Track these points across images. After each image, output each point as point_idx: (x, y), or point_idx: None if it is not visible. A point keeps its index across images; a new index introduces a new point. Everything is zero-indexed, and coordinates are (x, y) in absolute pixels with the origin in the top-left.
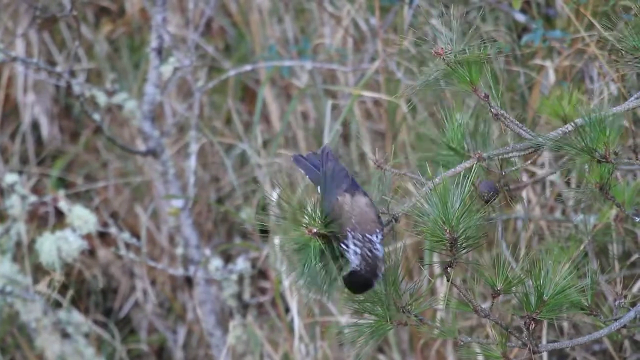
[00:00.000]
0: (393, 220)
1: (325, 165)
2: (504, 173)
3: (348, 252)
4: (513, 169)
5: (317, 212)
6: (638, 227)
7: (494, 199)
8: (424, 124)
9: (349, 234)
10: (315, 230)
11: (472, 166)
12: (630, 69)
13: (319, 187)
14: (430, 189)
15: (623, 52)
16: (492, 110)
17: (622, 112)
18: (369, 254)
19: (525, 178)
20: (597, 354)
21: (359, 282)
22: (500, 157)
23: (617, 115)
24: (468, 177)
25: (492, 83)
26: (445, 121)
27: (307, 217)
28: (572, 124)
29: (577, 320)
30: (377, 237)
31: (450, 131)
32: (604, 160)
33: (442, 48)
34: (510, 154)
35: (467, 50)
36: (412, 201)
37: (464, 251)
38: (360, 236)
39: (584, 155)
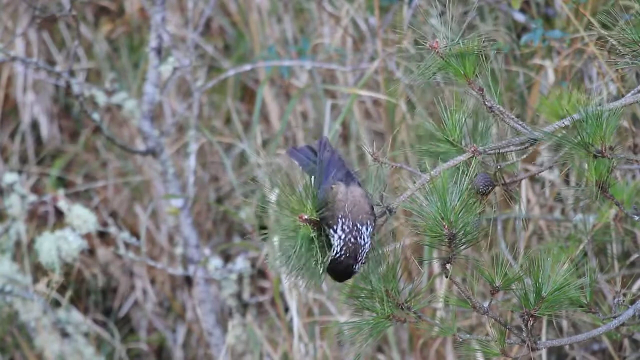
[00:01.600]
0: (387, 212)
1: (322, 155)
2: (499, 166)
3: (333, 237)
4: (508, 162)
5: (309, 198)
6: (637, 226)
7: (490, 192)
8: (423, 118)
9: (339, 221)
10: (305, 216)
11: (469, 160)
12: (629, 63)
13: (313, 178)
14: (427, 181)
15: (621, 46)
16: (487, 103)
17: (620, 108)
18: (353, 240)
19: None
20: (597, 354)
21: (338, 268)
22: (496, 151)
23: (614, 110)
24: (466, 173)
25: (488, 78)
26: (444, 114)
27: (298, 204)
28: (569, 118)
29: (577, 320)
30: (367, 228)
31: (449, 124)
32: (600, 155)
33: (437, 41)
34: (506, 149)
35: (462, 44)
36: (408, 194)
37: (463, 247)
38: (351, 224)
39: (580, 150)
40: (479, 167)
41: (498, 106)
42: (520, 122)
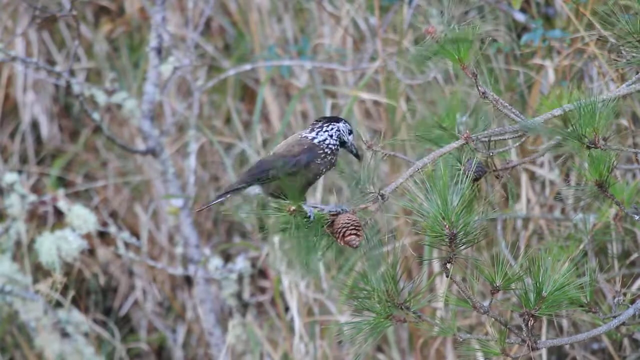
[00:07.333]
0: (380, 197)
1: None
2: (492, 153)
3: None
4: (500, 150)
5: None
6: (637, 226)
7: (480, 177)
8: (420, 105)
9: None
10: (294, 208)
11: (461, 146)
12: (629, 61)
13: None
14: (419, 168)
15: (618, 38)
16: (479, 88)
17: (613, 99)
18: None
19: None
20: (597, 353)
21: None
22: (489, 138)
23: (608, 101)
24: (462, 163)
25: (487, 76)
26: (438, 100)
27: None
28: (562, 107)
29: (577, 319)
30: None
31: (442, 110)
32: (593, 146)
33: (432, 26)
34: (499, 136)
35: (457, 29)
36: (400, 181)
37: (463, 247)
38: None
39: (572, 140)
40: (472, 155)
41: (492, 93)
42: (514, 110)
